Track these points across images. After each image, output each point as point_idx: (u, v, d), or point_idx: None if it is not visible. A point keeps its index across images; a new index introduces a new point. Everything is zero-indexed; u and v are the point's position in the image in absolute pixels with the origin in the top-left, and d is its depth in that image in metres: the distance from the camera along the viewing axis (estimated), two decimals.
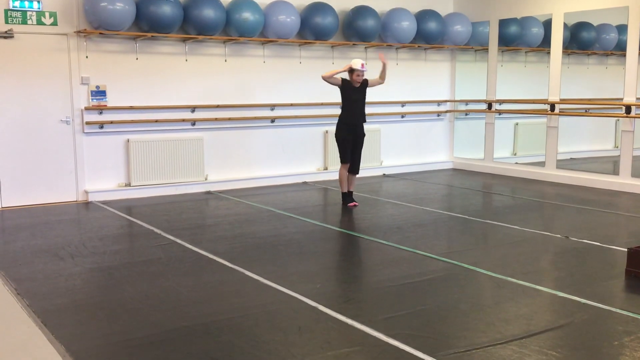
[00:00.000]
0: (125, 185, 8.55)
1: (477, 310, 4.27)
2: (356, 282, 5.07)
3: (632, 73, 8.72)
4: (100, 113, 8.32)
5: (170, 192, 8.73)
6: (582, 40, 10.59)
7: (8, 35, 7.65)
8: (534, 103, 10.38)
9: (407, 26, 10.05)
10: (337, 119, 7.89)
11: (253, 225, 6.89)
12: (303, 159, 9.91)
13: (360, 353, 3.60)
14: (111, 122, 8.35)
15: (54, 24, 7.92)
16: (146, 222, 7.00)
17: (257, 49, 9.35)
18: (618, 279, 4.93)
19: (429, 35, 10.39)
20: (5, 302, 4.50)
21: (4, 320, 4.22)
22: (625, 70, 8.80)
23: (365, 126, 7.91)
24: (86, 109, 8.21)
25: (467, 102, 11.23)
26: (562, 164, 9.87)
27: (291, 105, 9.65)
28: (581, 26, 10.46)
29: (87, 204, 8.11)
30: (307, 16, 9.32)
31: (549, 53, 9.75)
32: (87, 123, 8.23)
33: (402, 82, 10.60)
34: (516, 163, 10.63)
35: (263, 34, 9.14)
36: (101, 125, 8.32)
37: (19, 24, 7.71)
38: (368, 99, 7.87)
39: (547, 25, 9.90)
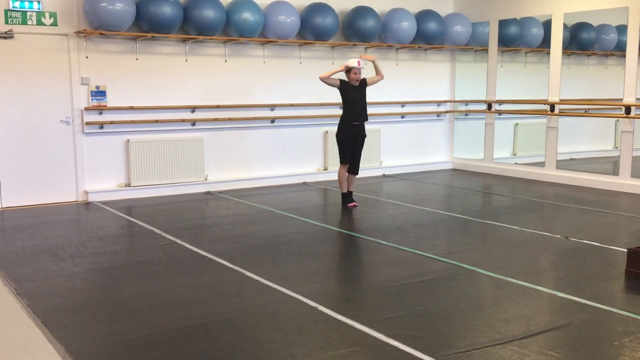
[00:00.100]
0: (125, 186, 8.55)
1: (477, 310, 4.28)
2: (356, 283, 5.07)
3: (632, 73, 8.72)
4: (100, 113, 8.32)
5: (170, 192, 8.73)
6: (582, 40, 10.60)
7: (8, 35, 7.65)
8: (533, 103, 10.38)
9: (407, 26, 10.05)
10: (338, 119, 7.88)
11: (253, 226, 6.89)
12: (303, 159, 9.91)
13: (360, 353, 3.60)
14: (111, 123, 8.36)
15: (54, 24, 7.92)
16: (146, 222, 7.00)
17: (257, 49, 9.35)
18: (618, 280, 4.94)
19: (429, 36, 10.39)
20: (5, 303, 4.50)
21: (4, 321, 4.22)
22: (625, 70, 8.80)
23: (365, 126, 7.91)
24: (86, 109, 8.21)
25: (467, 102, 11.24)
26: (562, 165, 9.88)
27: (291, 105, 9.65)
28: (581, 27, 10.46)
29: (87, 204, 8.11)
30: (307, 16, 9.33)
31: (548, 53, 9.75)
32: (87, 123, 8.23)
33: (402, 82, 10.60)
34: (516, 163, 10.63)
35: (263, 35, 9.14)
36: (101, 125, 8.32)
37: (19, 24, 7.72)
38: (368, 99, 7.87)
39: (547, 25, 9.90)
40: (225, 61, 9.11)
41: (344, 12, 9.85)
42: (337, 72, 7.66)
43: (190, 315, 4.19)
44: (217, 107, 9.06)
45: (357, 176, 8.05)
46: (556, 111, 9.68)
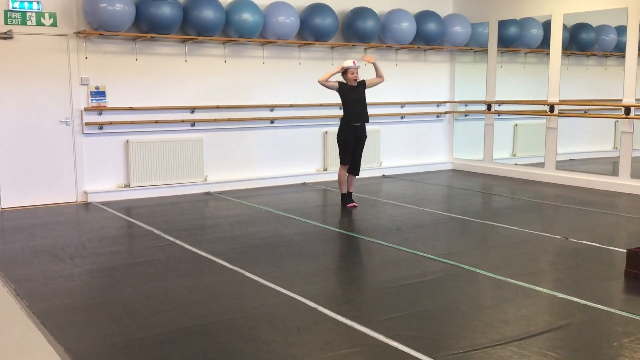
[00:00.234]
0: (125, 186, 8.55)
1: (477, 311, 4.28)
2: (356, 283, 5.07)
3: (632, 74, 8.72)
4: (100, 114, 8.32)
5: (170, 193, 8.73)
6: (582, 41, 10.60)
7: (7, 36, 7.65)
8: (533, 104, 10.38)
9: (407, 27, 10.06)
10: (338, 120, 7.88)
11: (252, 226, 6.89)
12: (302, 159, 9.91)
13: (360, 354, 3.60)
14: (111, 123, 8.36)
15: (54, 24, 7.92)
16: (145, 223, 7.00)
17: (256, 49, 9.35)
18: (617, 280, 4.94)
19: (428, 36, 10.40)
20: (4, 303, 4.50)
21: (4, 321, 4.22)
22: (625, 71, 8.81)
23: (366, 127, 7.90)
24: (86, 109, 8.21)
25: (466, 103, 11.24)
26: (561, 165, 9.88)
27: (290, 106, 9.65)
28: (580, 27, 10.47)
29: (86, 205, 8.10)
30: (306, 17, 9.33)
31: (548, 54, 9.76)
32: (87, 124, 8.23)
33: (401, 83, 10.60)
34: (515, 164, 10.63)
35: (262, 35, 9.14)
36: (100, 126, 8.32)
37: (18, 24, 7.71)
38: (368, 99, 7.87)
39: (547, 26, 9.90)
40: (225, 62, 9.11)
41: (343, 12, 9.85)
42: (335, 73, 7.67)
43: (190, 316, 4.19)
44: (217, 107, 9.07)
45: (356, 177, 8.04)
46: (556, 112, 9.68)
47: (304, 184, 9.69)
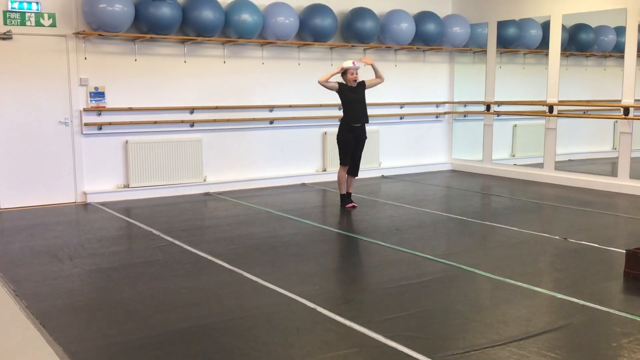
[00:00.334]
0: (124, 187, 8.55)
1: (476, 311, 4.28)
2: (355, 284, 5.07)
3: (631, 75, 8.73)
4: (99, 114, 8.32)
5: (169, 193, 8.73)
6: (581, 41, 10.61)
7: (7, 36, 7.64)
8: (532, 105, 10.38)
9: (406, 28, 10.06)
10: (338, 120, 7.88)
11: (252, 227, 6.89)
12: (302, 160, 9.91)
13: (359, 354, 3.60)
14: (110, 124, 8.35)
15: (53, 25, 7.92)
16: (145, 223, 7.00)
17: (255, 50, 9.35)
18: (616, 281, 4.94)
19: (427, 37, 10.40)
20: (3, 304, 4.49)
21: (3, 322, 4.22)
22: (624, 71, 8.81)
23: (366, 128, 7.91)
24: (85, 110, 8.21)
25: (465, 103, 11.24)
26: (560, 166, 9.88)
27: (290, 106, 9.65)
28: (579, 28, 10.47)
29: (85, 205, 8.10)
30: (306, 18, 9.33)
31: (547, 55, 9.77)
32: (86, 124, 8.23)
33: (400, 83, 10.61)
34: (515, 165, 10.64)
35: (262, 36, 9.14)
36: (100, 126, 8.31)
37: (17, 25, 7.71)
38: (367, 100, 7.87)
39: (546, 27, 9.91)
40: (224, 62, 9.11)
41: (342, 13, 9.86)
42: (335, 74, 7.66)
43: (189, 317, 4.19)
44: (216, 108, 9.07)
45: (356, 178, 8.04)
46: (555, 112, 9.69)
47: (303, 184, 9.69)
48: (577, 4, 9.41)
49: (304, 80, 9.58)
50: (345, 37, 9.93)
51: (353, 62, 7.63)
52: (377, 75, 7.87)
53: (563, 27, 9.67)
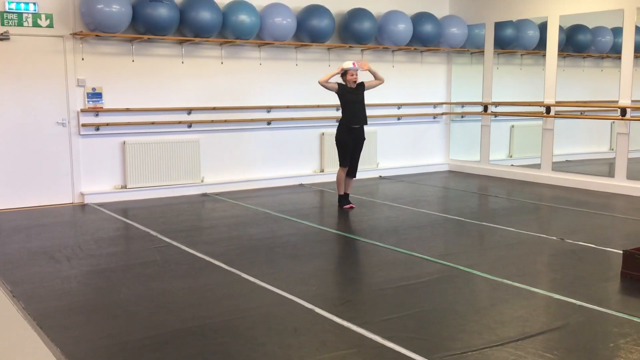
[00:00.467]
0: (122, 188, 8.54)
1: (473, 312, 4.28)
2: (352, 285, 5.08)
3: (628, 75, 8.75)
4: (96, 115, 8.31)
5: (167, 194, 8.72)
6: (578, 42, 10.63)
7: (4, 37, 7.63)
8: (529, 105, 10.40)
9: (403, 29, 10.07)
10: (335, 121, 7.88)
11: (249, 228, 6.89)
12: (299, 161, 9.91)
13: (357, 355, 3.60)
14: (107, 124, 8.35)
15: (50, 26, 7.91)
16: (142, 224, 6.99)
17: (253, 51, 9.35)
18: (613, 281, 4.95)
19: (425, 38, 10.41)
20: (0, 305, 4.49)
21: (0, 324, 4.21)
22: (621, 72, 8.84)
23: (365, 129, 7.91)
24: (82, 111, 8.20)
25: (463, 104, 11.25)
26: (557, 167, 9.90)
27: (287, 107, 9.65)
28: (577, 29, 10.49)
29: (83, 206, 8.09)
30: (303, 18, 9.33)
31: (544, 56, 9.78)
32: (83, 125, 8.22)
33: (398, 84, 10.61)
34: (512, 165, 10.65)
35: (259, 36, 9.14)
36: (97, 127, 8.31)
37: (15, 26, 7.70)
38: (365, 100, 7.87)
39: (543, 27, 9.92)
40: (222, 63, 9.11)
41: (340, 14, 9.86)
42: (335, 74, 7.67)
43: (187, 317, 4.19)
44: (214, 109, 9.06)
45: (354, 179, 8.05)
46: (552, 113, 9.70)
47: (301, 185, 9.68)
48: (574, 5, 9.43)
49: (302, 81, 9.58)
50: (342, 38, 9.94)
51: (353, 63, 7.62)
52: (377, 77, 7.87)
53: (560, 28, 9.69)
